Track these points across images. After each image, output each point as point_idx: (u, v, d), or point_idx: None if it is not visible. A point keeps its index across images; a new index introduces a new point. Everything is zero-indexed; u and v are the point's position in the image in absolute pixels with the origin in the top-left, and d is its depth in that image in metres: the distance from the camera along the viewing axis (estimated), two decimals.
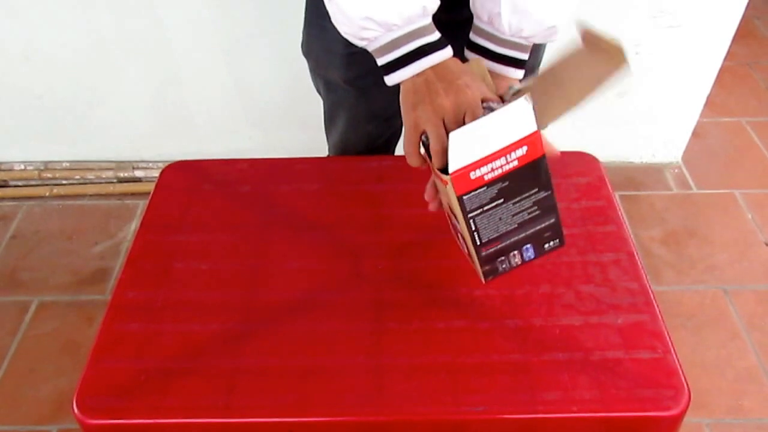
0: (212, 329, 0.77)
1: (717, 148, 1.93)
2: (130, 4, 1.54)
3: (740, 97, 2.10)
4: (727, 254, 1.60)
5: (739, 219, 1.70)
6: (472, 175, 0.66)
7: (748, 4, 1.53)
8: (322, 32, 0.95)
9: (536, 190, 0.69)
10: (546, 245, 0.75)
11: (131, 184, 1.82)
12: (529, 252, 0.74)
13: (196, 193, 0.95)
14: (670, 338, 0.74)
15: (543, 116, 0.67)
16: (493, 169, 0.66)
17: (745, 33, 2.00)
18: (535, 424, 0.69)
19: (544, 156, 0.67)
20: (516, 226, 0.71)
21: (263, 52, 1.62)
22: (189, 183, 0.96)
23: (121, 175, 1.83)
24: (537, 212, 0.71)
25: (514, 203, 0.70)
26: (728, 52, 1.63)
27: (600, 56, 0.67)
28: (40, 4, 1.54)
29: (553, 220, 0.73)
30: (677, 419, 0.68)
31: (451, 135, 0.64)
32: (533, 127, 0.65)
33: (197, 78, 1.69)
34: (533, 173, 0.68)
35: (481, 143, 0.65)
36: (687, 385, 0.70)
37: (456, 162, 0.65)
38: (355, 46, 0.95)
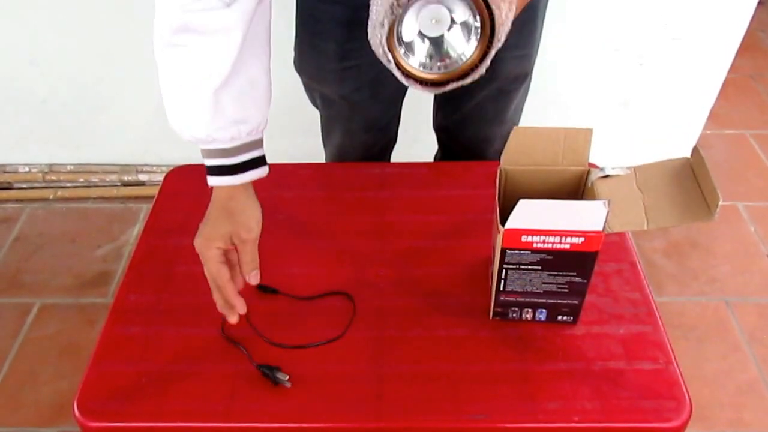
0: (213, 333, 0.77)
1: (720, 161, 1.92)
2: (134, 9, 1.55)
3: (744, 109, 2.10)
4: (729, 266, 1.60)
5: (742, 231, 1.70)
6: (523, 238, 0.67)
7: (753, 17, 1.54)
8: (314, 50, 0.96)
9: (575, 274, 0.70)
10: (559, 317, 0.76)
11: (135, 187, 1.83)
12: (542, 315, 0.76)
13: (200, 198, 0.95)
14: (671, 349, 0.74)
15: (615, 220, 0.66)
16: (544, 242, 0.67)
17: (749, 46, 2.00)
18: None
19: (597, 253, 0.68)
20: (542, 292, 0.73)
21: None
22: (192, 187, 0.96)
23: (125, 178, 1.83)
24: (566, 290, 0.72)
25: (549, 275, 0.71)
26: (732, 65, 1.63)
27: (694, 191, 0.66)
28: (45, 8, 1.55)
29: (576, 302, 0.74)
30: (678, 431, 0.68)
31: (521, 201, 0.64)
32: (599, 228, 0.65)
33: None
34: (579, 261, 0.69)
35: (545, 218, 0.66)
36: (688, 396, 0.69)
37: (515, 222, 0.66)
38: (348, 62, 0.94)
